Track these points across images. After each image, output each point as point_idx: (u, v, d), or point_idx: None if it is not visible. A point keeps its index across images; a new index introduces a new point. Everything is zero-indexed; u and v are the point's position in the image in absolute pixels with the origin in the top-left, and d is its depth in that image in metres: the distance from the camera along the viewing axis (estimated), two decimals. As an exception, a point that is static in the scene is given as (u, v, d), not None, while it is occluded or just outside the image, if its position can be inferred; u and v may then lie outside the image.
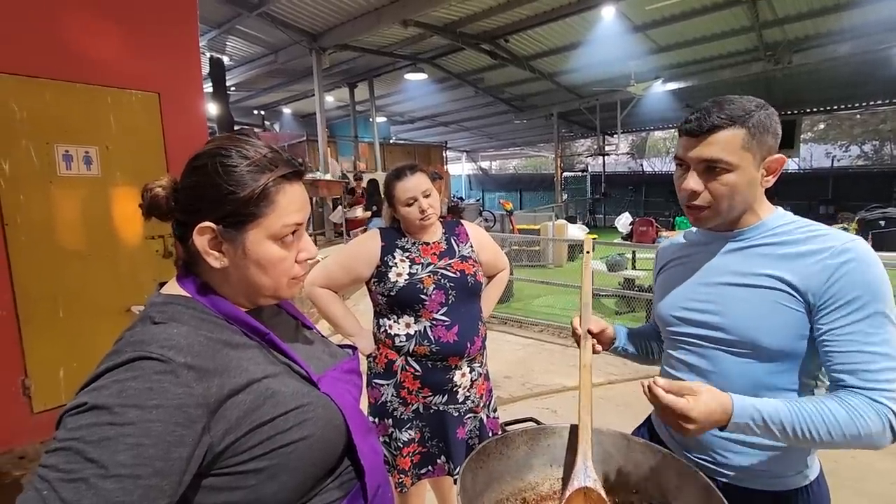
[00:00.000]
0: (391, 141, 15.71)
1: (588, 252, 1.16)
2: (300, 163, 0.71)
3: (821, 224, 0.91)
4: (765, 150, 0.88)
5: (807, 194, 13.34)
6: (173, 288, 0.69)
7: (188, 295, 0.67)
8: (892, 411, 0.78)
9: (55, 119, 2.13)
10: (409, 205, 1.51)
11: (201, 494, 0.59)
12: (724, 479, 0.96)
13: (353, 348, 0.90)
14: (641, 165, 22.25)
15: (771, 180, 0.92)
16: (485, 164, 27.92)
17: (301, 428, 0.64)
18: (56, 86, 2.13)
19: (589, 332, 1.04)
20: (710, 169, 0.88)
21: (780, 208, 0.97)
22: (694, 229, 1.06)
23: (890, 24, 7.79)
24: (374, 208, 7.70)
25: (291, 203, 0.68)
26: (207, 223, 0.64)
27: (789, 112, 13.85)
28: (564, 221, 10.16)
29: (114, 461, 0.50)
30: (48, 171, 2.12)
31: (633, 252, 6.37)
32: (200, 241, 0.65)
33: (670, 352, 1.05)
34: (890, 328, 0.81)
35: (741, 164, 0.87)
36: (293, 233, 0.69)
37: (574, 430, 1.01)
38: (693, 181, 0.90)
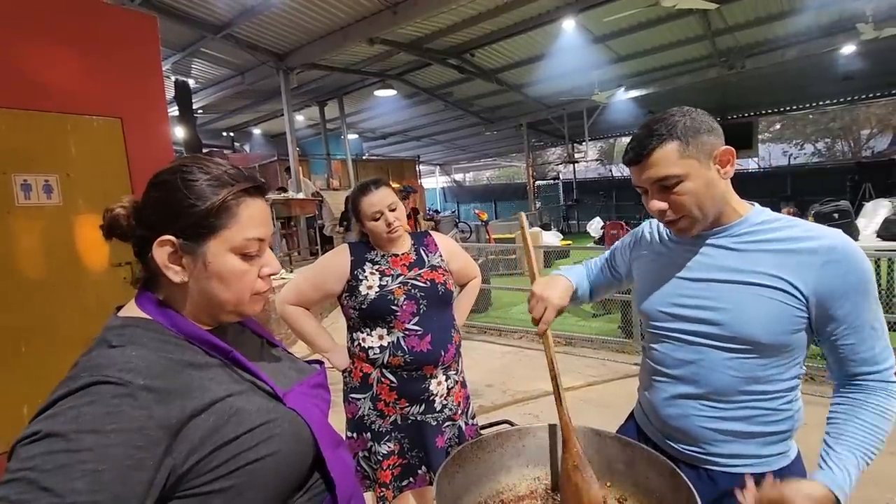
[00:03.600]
0: (364, 157, 15.72)
1: (523, 227, 1.21)
2: (262, 180, 0.72)
3: (803, 220, 0.95)
4: (706, 148, 0.91)
5: (768, 192, 13.89)
6: (131, 310, 0.68)
7: (148, 317, 0.66)
8: None
9: (12, 148, 2.08)
10: (376, 219, 1.53)
11: None
12: (714, 467, 0.99)
13: (320, 363, 0.90)
14: (611, 171, 22.82)
15: (730, 171, 0.94)
16: (458, 177, 28.16)
17: (267, 444, 0.64)
18: (11, 114, 2.08)
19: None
20: (664, 186, 0.92)
21: (757, 205, 1.00)
22: None
23: (829, 29, 8.29)
24: (346, 223, 7.87)
25: (252, 217, 0.69)
26: (167, 236, 0.65)
27: (746, 114, 14.46)
28: (539, 229, 10.32)
29: (69, 488, 0.48)
30: (6, 201, 2.06)
31: (606, 255, 6.49)
32: (160, 253, 0.65)
33: (654, 346, 1.06)
34: (879, 310, 0.90)
35: (688, 170, 0.90)
36: (256, 248, 0.69)
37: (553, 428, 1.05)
38: (656, 203, 0.94)
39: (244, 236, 0.67)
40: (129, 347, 0.61)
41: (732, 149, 0.94)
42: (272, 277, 0.74)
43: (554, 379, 1.03)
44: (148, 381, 0.57)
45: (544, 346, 1.06)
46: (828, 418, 0.93)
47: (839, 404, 0.92)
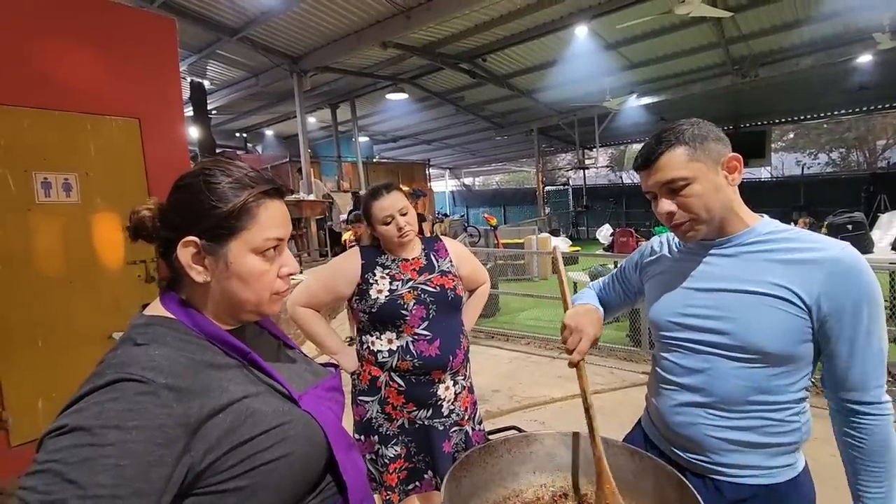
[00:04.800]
0: (374, 160, 15.81)
1: (557, 260, 1.19)
2: (281, 182, 0.74)
3: (811, 232, 0.96)
4: (714, 154, 0.94)
5: (780, 201, 13.74)
6: (156, 309, 0.70)
7: (171, 316, 0.68)
8: (891, 413, 0.89)
9: (33, 147, 2.13)
10: (387, 223, 1.54)
11: None
12: (720, 477, 0.98)
13: (335, 366, 0.91)
14: (621, 177, 22.74)
15: (737, 178, 0.96)
16: (468, 181, 28.20)
17: (281, 446, 0.65)
18: (34, 113, 2.13)
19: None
20: (672, 189, 0.95)
21: (766, 216, 1.01)
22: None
23: (845, 38, 8.21)
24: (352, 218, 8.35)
25: (272, 218, 0.71)
26: (191, 237, 0.67)
27: (759, 123, 14.34)
28: (548, 235, 10.29)
29: (93, 482, 0.50)
30: (26, 198, 2.11)
31: (615, 262, 6.47)
32: (184, 254, 0.67)
33: (664, 354, 1.07)
34: (880, 330, 0.89)
35: (696, 174, 0.93)
36: (275, 248, 0.71)
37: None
38: (665, 204, 0.96)
39: (264, 237, 0.69)
40: (153, 346, 0.63)
41: (739, 156, 0.96)
42: (291, 277, 0.76)
43: (587, 410, 1.00)
44: (170, 379, 0.59)
45: (578, 378, 1.03)
46: (848, 463, 0.94)
47: (851, 446, 0.93)
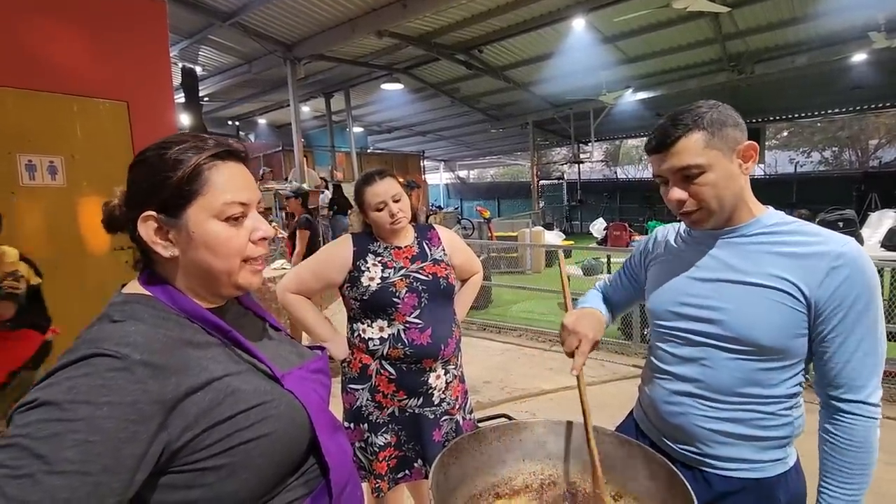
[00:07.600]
0: (368, 150, 15.71)
1: (561, 262, 1.20)
2: (235, 145, 0.71)
3: (814, 225, 0.94)
4: (730, 141, 0.91)
5: (773, 199, 13.76)
6: (134, 287, 0.68)
7: (149, 294, 0.67)
8: (877, 418, 0.88)
9: (18, 128, 2.08)
10: (379, 209, 1.52)
11: (158, 493, 0.58)
12: (709, 469, 0.98)
13: (322, 348, 0.90)
14: (615, 172, 22.80)
15: (751, 166, 0.93)
16: (462, 173, 28.11)
17: (262, 425, 0.64)
18: (18, 94, 2.08)
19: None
20: (686, 176, 0.91)
21: (771, 207, 0.99)
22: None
23: (841, 36, 8.23)
24: (335, 207, 8.34)
25: (230, 181, 0.68)
26: (148, 212, 0.65)
27: (754, 120, 14.40)
28: (541, 228, 10.31)
29: (60, 457, 0.49)
30: (10, 180, 2.06)
31: (608, 256, 6.49)
32: (144, 230, 0.65)
33: (659, 344, 1.06)
34: (878, 329, 0.88)
35: (712, 161, 0.89)
36: (238, 212, 0.68)
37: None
38: (676, 192, 0.93)
39: (222, 201, 0.67)
40: (129, 323, 0.61)
41: (756, 144, 0.94)
42: (273, 258, 0.74)
43: (586, 423, 0.98)
44: (145, 356, 0.57)
45: (578, 387, 1.01)
46: (820, 459, 0.93)
47: (826, 441, 0.92)
